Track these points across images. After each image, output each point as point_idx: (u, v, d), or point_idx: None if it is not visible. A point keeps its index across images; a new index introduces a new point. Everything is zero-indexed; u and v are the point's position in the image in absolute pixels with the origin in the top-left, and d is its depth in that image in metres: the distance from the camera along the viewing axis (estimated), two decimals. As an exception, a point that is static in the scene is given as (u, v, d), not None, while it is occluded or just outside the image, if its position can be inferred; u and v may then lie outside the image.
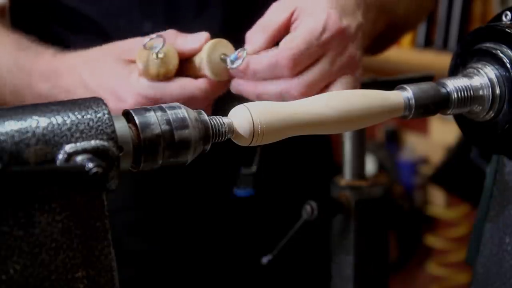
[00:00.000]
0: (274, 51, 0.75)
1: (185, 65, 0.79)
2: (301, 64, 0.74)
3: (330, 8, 0.75)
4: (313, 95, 0.67)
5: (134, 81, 0.78)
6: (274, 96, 0.76)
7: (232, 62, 0.76)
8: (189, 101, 0.76)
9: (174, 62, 0.78)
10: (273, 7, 0.78)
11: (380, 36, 0.92)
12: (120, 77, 0.79)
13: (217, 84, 0.78)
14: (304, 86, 0.75)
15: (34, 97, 0.86)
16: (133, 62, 0.79)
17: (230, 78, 0.78)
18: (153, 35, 0.75)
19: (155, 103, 0.73)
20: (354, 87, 0.77)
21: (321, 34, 0.74)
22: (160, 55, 0.76)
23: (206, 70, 0.77)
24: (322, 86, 0.76)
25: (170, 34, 0.79)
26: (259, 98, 0.76)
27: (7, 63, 0.90)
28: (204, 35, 0.79)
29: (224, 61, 0.77)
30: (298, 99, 0.65)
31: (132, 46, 0.80)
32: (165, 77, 0.77)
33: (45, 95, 0.85)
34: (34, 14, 1.01)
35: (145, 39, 0.75)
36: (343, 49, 0.76)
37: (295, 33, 0.75)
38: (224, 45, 0.79)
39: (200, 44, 0.78)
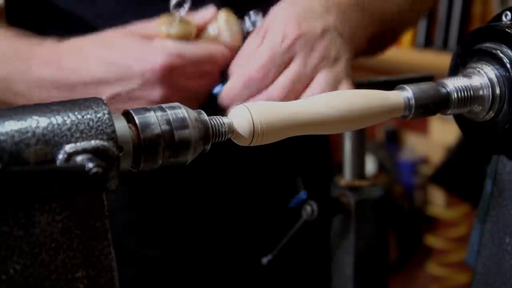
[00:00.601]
0: (243, 70, 0.80)
1: (200, 36, 0.87)
2: (270, 72, 0.79)
3: (288, 17, 0.80)
4: (295, 98, 0.74)
5: (159, 43, 0.82)
6: None
7: (253, 23, 0.87)
8: (211, 60, 0.83)
9: (193, 26, 0.85)
10: (250, 38, 0.83)
11: (377, 37, 0.93)
12: (143, 44, 0.82)
13: (230, 49, 0.84)
14: (281, 90, 0.79)
15: (30, 84, 0.85)
16: (148, 36, 0.84)
17: (241, 44, 0.85)
18: None
19: (180, 63, 0.81)
20: (337, 81, 0.80)
21: (281, 42, 0.79)
22: (184, 18, 0.84)
23: (225, 35, 0.85)
24: (301, 87, 0.80)
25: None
26: None
27: (1, 49, 0.89)
28: (212, 7, 0.87)
29: (239, 27, 0.86)
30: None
31: (143, 24, 0.85)
32: (187, 39, 0.84)
33: (45, 80, 0.84)
34: (29, 17, 1.01)
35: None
36: (310, 50, 0.80)
37: (260, 48, 0.80)
38: (232, 14, 0.87)
39: (212, 14, 0.86)
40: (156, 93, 0.81)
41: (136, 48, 0.82)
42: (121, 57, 0.82)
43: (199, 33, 0.87)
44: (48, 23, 1.00)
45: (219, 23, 0.85)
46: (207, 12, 0.86)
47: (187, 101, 0.77)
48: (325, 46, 0.81)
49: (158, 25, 0.84)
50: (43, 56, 0.85)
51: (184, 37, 0.84)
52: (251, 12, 0.86)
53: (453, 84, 0.68)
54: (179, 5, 0.83)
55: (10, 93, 0.87)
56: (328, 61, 0.81)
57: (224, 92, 0.81)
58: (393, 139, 2.75)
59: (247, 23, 0.87)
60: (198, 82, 0.84)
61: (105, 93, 0.81)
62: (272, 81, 0.79)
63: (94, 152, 0.51)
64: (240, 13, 0.87)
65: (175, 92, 0.82)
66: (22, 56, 0.87)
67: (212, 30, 0.86)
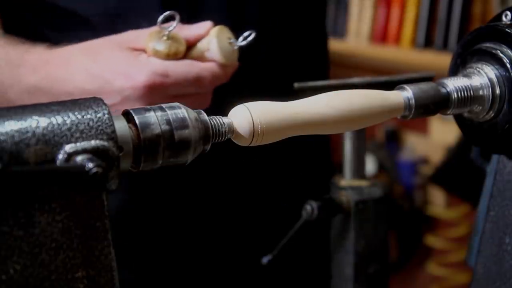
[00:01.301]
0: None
1: (190, 53, 0.83)
2: None
3: None
4: None
5: (144, 60, 0.80)
6: None
7: (245, 40, 0.82)
8: (198, 81, 0.80)
9: (183, 43, 0.82)
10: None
11: None
12: (129, 59, 0.81)
13: (224, 67, 0.82)
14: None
15: (22, 91, 0.85)
16: (137, 49, 0.82)
17: (235, 62, 0.83)
18: (166, 12, 0.79)
19: (164, 83, 0.79)
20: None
21: None
22: (172, 34, 0.80)
23: (215, 52, 0.81)
24: None
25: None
26: None
27: None
28: (208, 23, 0.83)
29: (231, 44, 0.82)
30: None
31: (134, 35, 0.83)
32: (175, 57, 0.81)
33: (34, 87, 0.84)
34: (27, 16, 1.01)
35: (159, 17, 0.79)
36: None
37: None
38: (227, 31, 0.83)
39: (205, 29, 0.83)
40: None
41: (121, 63, 0.81)
42: (105, 71, 0.81)
43: (190, 48, 0.83)
44: (46, 23, 1.00)
45: (211, 38, 0.82)
46: (201, 27, 0.83)
47: None
48: None
49: (145, 41, 0.81)
50: (32, 63, 0.85)
51: (172, 55, 0.81)
52: (247, 32, 0.82)
53: (453, 84, 0.68)
54: (167, 20, 0.80)
55: (4, 101, 0.87)
56: None
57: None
58: (393, 139, 2.74)
59: (240, 40, 0.83)
60: (183, 102, 0.81)
61: None
62: None
63: (94, 152, 0.51)
64: (239, 30, 0.84)
65: None
66: (13, 64, 0.87)
67: (202, 46, 0.83)
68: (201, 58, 0.83)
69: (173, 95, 0.80)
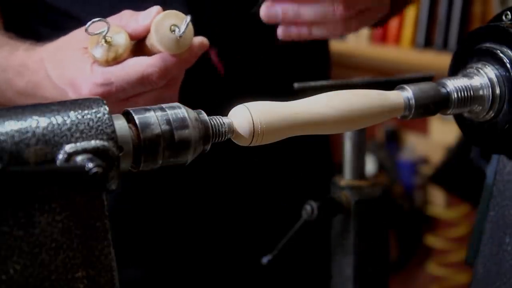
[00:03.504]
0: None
1: (141, 46, 0.78)
2: None
3: None
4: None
5: (88, 69, 0.77)
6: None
7: (186, 27, 0.74)
8: (144, 81, 0.76)
9: (124, 45, 0.76)
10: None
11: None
12: (77, 66, 0.78)
13: (171, 58, 0.76)
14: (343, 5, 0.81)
15: (15, 95, 0.86)
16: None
17: (183, 51, 0.77)
18: (96, 19, 0.74)
19: (109, 91, 0.75)
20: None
21: None
22: (108, 39, 0.75)
23: (155, 43, 0.76)
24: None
25: (126, 14, 0.78)
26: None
27: None
28: (154, 9, 0.77)
29: (173, 31, 0.75)
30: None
31: (83, 35, 0.78)
32: (116, 62, 0.76)
33: (22, 91, 0.84)
34: (21, 16, 1.01)
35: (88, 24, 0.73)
36: None
37: None
38: (174, 16, 0.76)
39: (150, 19, 0.76)
40: None
41: (71, 70, 0.79)
42: (61, 79, 0.80)
43: (142, 41, 0.78)
44: (41, 22, 1.00)
45: (151, 31, 0.76)
46: (146, 16, 0.77)
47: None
48: None
49: (88, 46, 0.77)
50: (15, 68, 0.85)
51: (112, 61, 0.76)
52: (188, 16, 0.75)
53: (453, 84, 0.68)
54: (96, 27, 0.74)
55: (5, 101, 0.88)
56: None
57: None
58: (393, 139, 2.74)
59: (182, 27, 0.75)
60: (140, 99, 0.78)
61: None
62: None
63: (94, 152, 0.51)
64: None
65: (117, 110, 0.77)
66: (1, 67, 0.87)
67: (149, 38, 0.77)
68: (150, 51, 0.78)
69: (128, 97, 0.77)
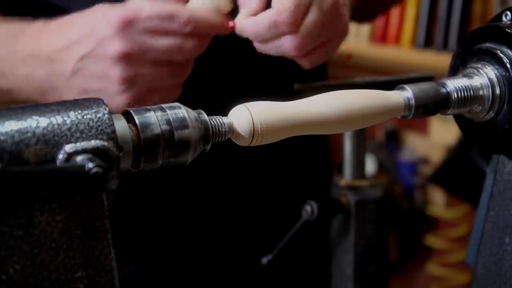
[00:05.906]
0: (271, 12, 0.78)
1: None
2: (299, 18, 0.78)
3: None
4: (312, 47, 0.76)
5: (125, 4, 0.79)
6: (276, 53, 0.82)
7: None
8: (169, 18, 0.78)
9: None
10: None
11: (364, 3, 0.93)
12: (111, 6, 0.80)
13: (210, 15, 0.80)
14: (305, 38, 0.79)
15: (16, 61, 0.86)
16: None
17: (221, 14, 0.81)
18: None
19: (135, 17, 0.77)
20: (345, 33, 0.83)
21: None
22: None
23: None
24: (316, 35, 0.80)
25: None
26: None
27: None
28: None
29: None
30: (301, 54, 0.72)
31: None
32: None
33: (30, 54, 0.85)
34: (23, 13, 1.01)
35: None
36: None
37: None
38: None
39: None
40: (113, 48, 0.79)
41: (104, 9, 0.81)
42: (89, 18, 0.81)
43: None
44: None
45: None
46: None
47: (166, 69, 0.79)
48: None
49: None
50: (28, 32, 0.86)
51: None
52: None
53: (453, 84, 0.68)
54: None
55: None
56: (337, 8, 0.82)
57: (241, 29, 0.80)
58: (393, 139, 2.75)
59: None
60: (162, 41, 0.80)
61: (77, 54, 0.81)
62: (298, 28, 0.78)
63: (94, 152, 0.51)
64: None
65: (136, 50, 0.79)
66: (11, 34, 0.88)
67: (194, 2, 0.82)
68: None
69: (150, 31, 0.79)
